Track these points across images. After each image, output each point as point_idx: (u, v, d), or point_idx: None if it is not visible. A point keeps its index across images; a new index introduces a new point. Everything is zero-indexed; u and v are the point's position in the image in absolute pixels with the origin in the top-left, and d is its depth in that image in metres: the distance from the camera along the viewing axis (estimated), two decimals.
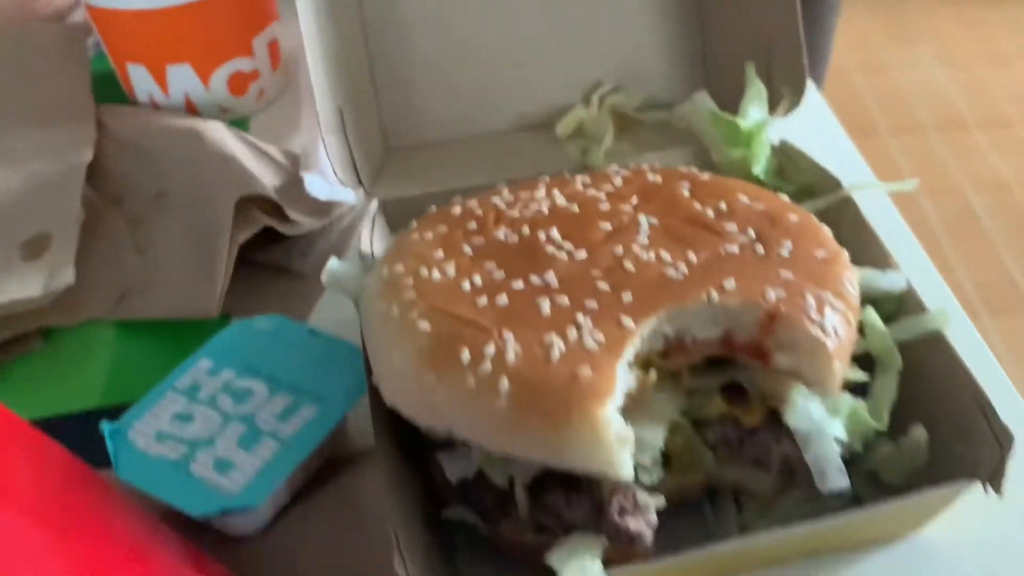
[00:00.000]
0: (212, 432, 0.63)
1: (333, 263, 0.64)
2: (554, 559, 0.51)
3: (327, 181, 0.86)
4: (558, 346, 0.52)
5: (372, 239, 0.73)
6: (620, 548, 0.53)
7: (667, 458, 0.59)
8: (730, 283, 0.56)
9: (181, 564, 0.54)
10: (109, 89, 1.04)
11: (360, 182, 0.77)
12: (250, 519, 0.62)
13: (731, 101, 0.78)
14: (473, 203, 0.65)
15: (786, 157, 0.77)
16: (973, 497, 0.57)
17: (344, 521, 0.63)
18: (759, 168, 0.75)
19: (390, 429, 0.59)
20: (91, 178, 0.90)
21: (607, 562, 0.53)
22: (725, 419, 0.59)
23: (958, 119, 3.01)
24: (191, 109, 1.01)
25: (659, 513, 0.60)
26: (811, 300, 0.56)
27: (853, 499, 0.61)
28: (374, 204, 0.76)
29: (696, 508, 0.63)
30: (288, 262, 0.84)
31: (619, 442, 0.50)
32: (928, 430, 0.59)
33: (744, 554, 0.56)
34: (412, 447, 0.60)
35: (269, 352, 0.68)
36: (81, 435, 0.62)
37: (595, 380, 0.51)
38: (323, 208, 0.86)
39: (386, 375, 0.56)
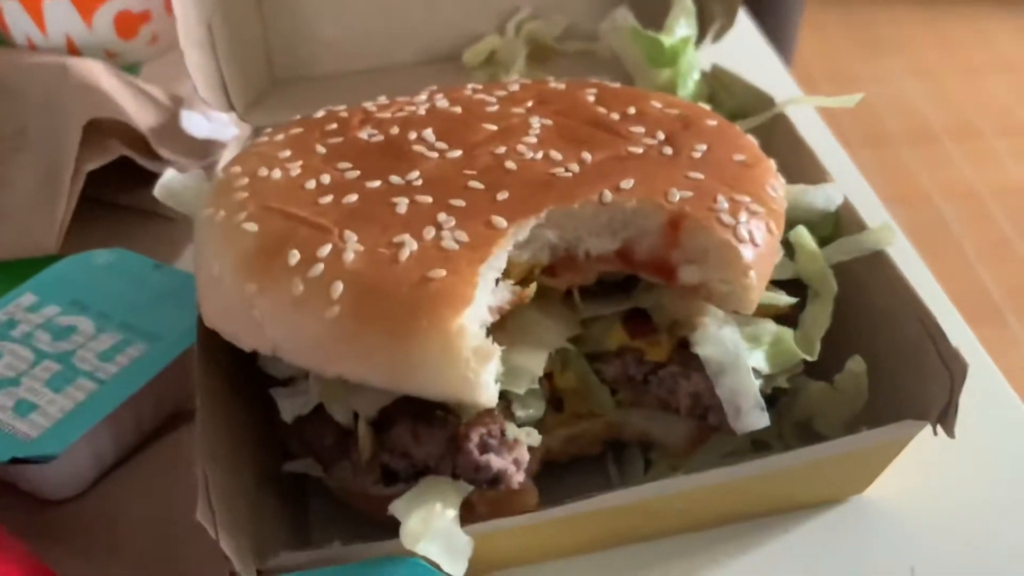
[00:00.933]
0: (19, 371, 0.52)
1: (168, 174, 0.54)
2: (397, 507, 0.41)
3: (209, 119, 0.77)
4: (410, 246, 0.42)
5: None
6: (489, 498, 0.43)
7: (558, 401, 0.50)
8: (628, 183, 0.47)
9: None
10: None
11: (231, 106, 0.68)
12: (62, 475, 0.52)
13: (657, 20, 0.69)
14: (341, 108, 0.55)
15: (717, 82, 0.68)
16: (924, 446, 0.48)
17: (176, 482, 0.53)
18: (685, 91, 0.66)
19: (225, 368, 0.48)
20: None
21: (474, 518, 0.43)
22: (626, 352, 0.49)
23: (928, 130, 2.95)
24: (73, 51, 0.90)
25: (553, 469, 0.50)
26: (724, 202, 0.46)
27: (784, 451, 0.52)
28: (231, 131, 0.66)
29: (599, 464, 0.53)
30: (157, 204, 0.74)
31: (478, 356, 0.40)
32: (869, 366, 0.49)
33: (645, 512, 0.46)
34: (257, 392, 0.50)
35: (104, 287, 0.58)
36: None
37: (450, 283, 0.41)
38: (201, 148, 0.76)
39: (205, 290, 0.46)
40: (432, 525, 0.40)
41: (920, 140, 3.02)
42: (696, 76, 0.67)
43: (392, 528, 0.41)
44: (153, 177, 0.74)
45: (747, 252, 0.45)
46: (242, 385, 0.50)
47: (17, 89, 0.81)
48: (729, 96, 0.67)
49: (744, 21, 0.70)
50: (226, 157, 0.62)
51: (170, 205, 0.55)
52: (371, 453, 0.43)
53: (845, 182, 0.57)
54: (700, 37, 0.70)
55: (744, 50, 0.71)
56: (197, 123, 0.77)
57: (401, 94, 0.72)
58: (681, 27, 0.67)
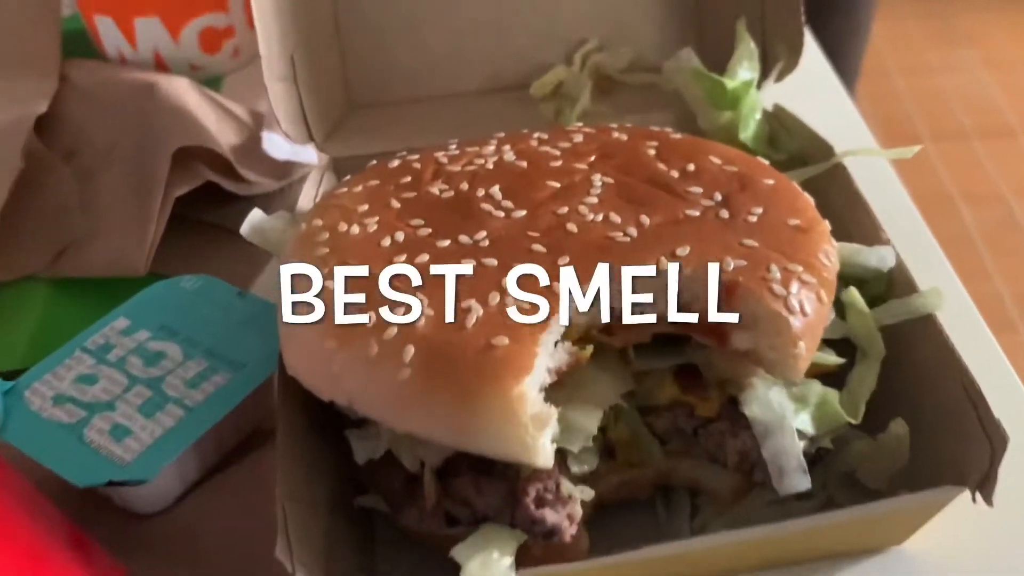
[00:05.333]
0: (114, 396, 0.57)
1: (255, 214, 0.58)
2: (458, 552, 0.44)
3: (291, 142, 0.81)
4: (476, 312, 0.45)
5: (317, 197, 0.67)
6: (543, 545, 0.46)
7: (611, 449, 0.53)
8: (684, 249, 0.49)
9: (51, 551, 0.48)
10: (82, 47, 0.99)
11: (311, 137, 0.71)
12: (151, 494, 0.56)
13: (723, 62, 0.70)
14: (414, 157, 0.58)
15: (778, 122, 0.70)
16: (962, 505, 0.50)
17: (254, 502, 0.57)
18: (747, 133, 0.67)
19: (303, 402, 0.52)
20: (47, 130, 0.85)
21: (529, 560, 0.46)
22: (677, 406, 0.52)
23: (1003, 125, 2.88)
24: (161, 65, 0.96)
25: (604, 510, 0.53)
26: (776, 272, 0.48)
27: (827, 504, 0.54)
28: (324, 159, 0.70)
29: (648, 507, 0.56)
30: (239, 224, 0.78)
31: (536, 423, 0.43)
32: (912, 426, 0.51)
33: (692, 560, 0.49)
34: (332, 424, 0.54)
35: (191, 313, 0.62)
36: None
37: (513, 351, 0.44)
38: (282, 169, 0.80)
39: (287, 339, 0.49)
40: (489, 571, 0.43)
41: (993, 134, 2.94)
42: (758, 116, 0.69)
43: (452, 563, 0.45)
44: (236, 196, 0.78)
45: (797, 323, 0.47)
46: (319, 416, 0.54)
47: (109, 103, 0.86)
48: (789, 138, 0.69)
49: (813, 50, 0.71)
50: (306, 192, 0.65)
51: (257, 243, 0.58)
52: (436, 500, 0.47)
53: (904, 232, 0.58)
54: (763, 76, 0.72)
55: (811, 84, 0.72)
56: (278, 145, 0.80)
57: (469, 121, 0.75)
58: (744, 70, 0.68)
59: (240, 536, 0.56)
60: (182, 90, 0.83)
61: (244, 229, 0.58)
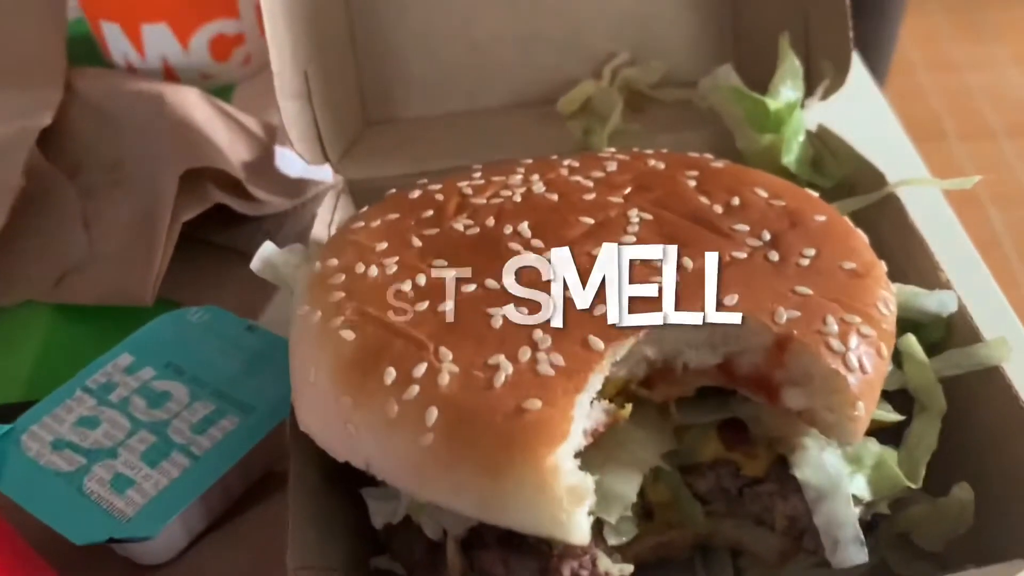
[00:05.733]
0: (116, 441, 0.53)
1: (267, 248, 0.54)
2: None
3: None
4: (505, 370, 0.41)
5: (332, 223, 0.63)
6: None
7: (648, 509, 0.49)
8: (732, 298, 0.45)
9: None
10: (87, 52, 0.95)
11: (326, 157, 0.67)
12: (155, 547, 0.53)
13: (763, 79, 0.66)
14: (436, 187, 0.54)
15: (823, 146, 0.65)
16: None
17: (264, 551, 0.53)
18: (790, 157, 0.63)
19: (316, 454, 0.49)
20: (53, 144, 0.81)
21: None
22: (721, 465, 0.48)
23: None
24: (169, 74, 0.92)
25: (643, 570, 0.49)
26: (833, 324, 0.44)
27: (878, 567, 0.50)
28: (338, 182, 0.66)
29: (688, 567, 0.52)
30: (250, 246, 0.74)
31: (572, 496, 0.39)
32: (976, 488, 0.47)
33: None
34: (348, 478, 0.50)
35: (198, 349, 0.59)
36: None
37: (546, 416, 0.40)
38: (294, 187, 0.77)
39: (300, 393, 0.46)
40: None
41: (1022, 133, 2.88)
42: (801, 139, 0.65)
43: None
44: (246, 216, 0.75)
45: (855, 382, 0.43)
46: (335, 470, 0.50)
47: (115, 116, 0.82)
48: (835, 161, 0.64)
49: (858, 68, 0.66)
50: (321, 218, 0.61)
51: (268, 279, 0.54)
52: (460, 574, 0.43)
53: (962, 271, 0.54)
54: (807, 93, 0.67)
55: (856, 103, 0.68)
56: (291, 161, 0.77)
57: (491, 139, 0.71)
58: (787, 89, 0.64)
59: None
60: (191, 103, 0.79)
61: (255, 264, 0.54)
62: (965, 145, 2.78)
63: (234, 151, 0.76)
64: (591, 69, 0.74)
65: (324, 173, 0.77)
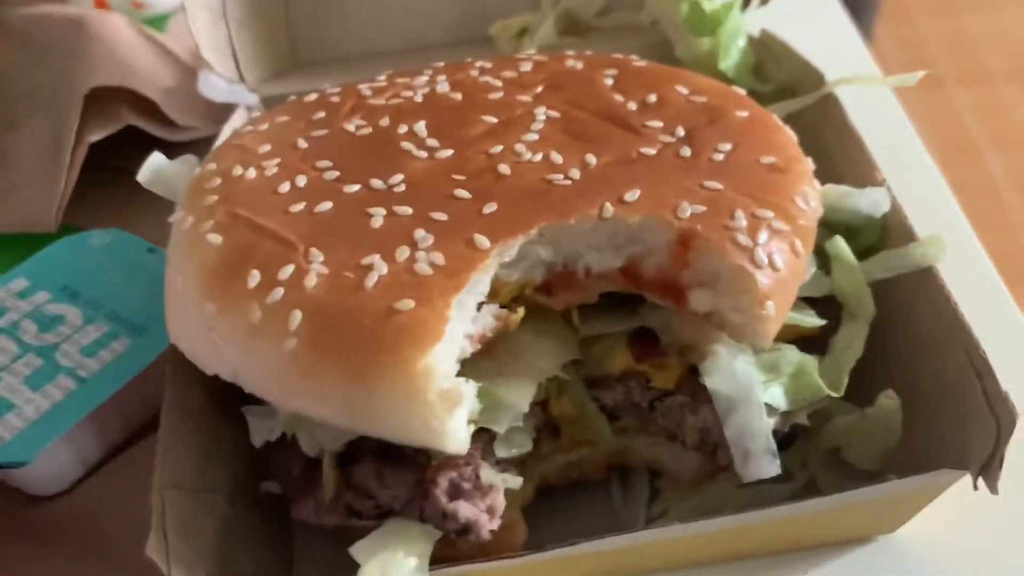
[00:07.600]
0: (1, 365, 0.50)
1: (155, 159, 0.51)
2: (357, 551, 0.38)
3: (229, 82, 0.73)
4: (379, 270, 0.38)
5: None
6: (460, 541, 0.40)
7: (554, 426, 0.46)
8: (633, 194, 0.41)
9: None
10: None
11: (240, 76, 0.64)
12: (45, 475, 0.50)
13: None
14: (335, 90, 0.51)
15: (767, 52, 0.61)
16: (962, 491, 0.42)
17: None
18: (728, 63, 0.59)
19: (200, 373, 0.45)
20: None
21: (454, 555, 0.39)
22: (630, 377, 0.45)
23: None
24: (100, 2, 0.88)
25: (552, 494, 0.46)
26: (742, 219, 0.40)
27: (808, 486, 0.47)
28: (251, 98, 0.62)
29: (604, 490, 0.49)
30: None
31: (445, 402, 0.36)
32: (907, 399, 0.44)
33: (647, 554, 0.42)
34: (234, 396, 0.47)
35: (97, 272, 0.56)
36: None
37: (419, 317, 0.36)
38: (219, 112, 0.73)
39: (170, 305, 0.42)
40: (391, 573, 0.37)
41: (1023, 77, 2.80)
42: (741, 44, 0.60)
43: None
44: (170, 145, 0.71)
45: (764, 279, 0.39)
46: (222, 390, 0.47)
47: (35, 43, 0.78)
48: (778, 67, 0.60)
49: None
50: (224, 134, 0.58)
51: (158, 192, 0.51)
52: (335, 492, 0.40)
53: (911, 174, 0.50)
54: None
55: (807, 9, 0.63)
56: (215, 86, 0.73)
57: None
58: None
59: (145, 519, 0.50)
60: (114, 28, 0.75)
61: (143, 176, 0.50)
62: (963, 90, 2.72)
63: (157, 76, 0.72)
64: (531, 3, 0.70)
65: (251, 98, 0.74)
